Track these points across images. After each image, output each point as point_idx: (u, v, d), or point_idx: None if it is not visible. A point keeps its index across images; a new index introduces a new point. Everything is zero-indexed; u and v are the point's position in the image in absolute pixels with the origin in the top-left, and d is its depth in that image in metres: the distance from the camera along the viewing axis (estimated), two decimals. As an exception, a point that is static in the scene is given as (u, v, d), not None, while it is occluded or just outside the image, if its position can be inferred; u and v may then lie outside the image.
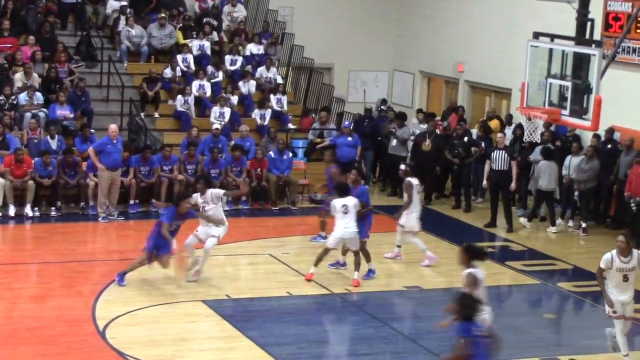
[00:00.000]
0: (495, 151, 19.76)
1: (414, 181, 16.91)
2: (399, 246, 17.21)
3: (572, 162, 19.98)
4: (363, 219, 15.87)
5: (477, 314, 9.40)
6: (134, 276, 15.38)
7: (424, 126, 22.67)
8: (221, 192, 15.86)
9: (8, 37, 22.35)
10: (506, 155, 19.61)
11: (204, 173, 19.31)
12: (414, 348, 13.12)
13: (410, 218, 16.87)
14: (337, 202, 15.48)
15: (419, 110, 24.74)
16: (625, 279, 12.28)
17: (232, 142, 21.49)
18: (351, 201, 15.50)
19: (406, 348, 13.09)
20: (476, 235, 19.40)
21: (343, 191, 15.66)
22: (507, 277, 17.05)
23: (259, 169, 20.92)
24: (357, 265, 15.71)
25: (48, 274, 15.58)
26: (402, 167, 17.70)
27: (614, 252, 12.26)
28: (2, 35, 22.32)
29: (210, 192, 15.37)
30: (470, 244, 11.48)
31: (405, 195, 17.06)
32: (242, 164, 20.80)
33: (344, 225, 15.41)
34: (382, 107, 24.73)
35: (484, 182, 20.17)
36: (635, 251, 12.26)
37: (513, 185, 19.77)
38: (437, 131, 22.23)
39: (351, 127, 22.30)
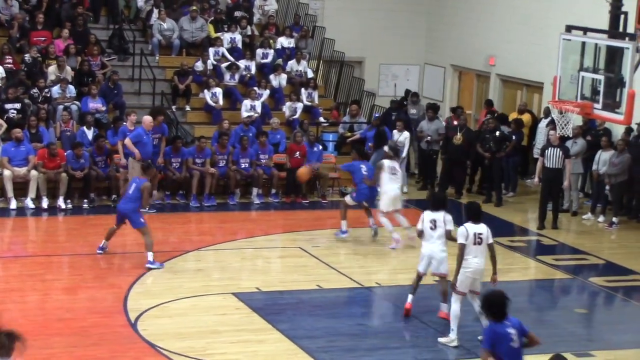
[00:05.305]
0: (550, 148, 19.22)
1: (386, 162, 17.44)
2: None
3: (602, 156, 19.85)
4: None
5: None
6: (165, 269, 15.48)
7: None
8: None
9: (42, 31, 22.49)
10: (561, 152, 19.11)
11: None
12: (444, 342, 13.11)
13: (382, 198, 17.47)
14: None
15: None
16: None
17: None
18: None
19: (437, 342, 13.06)
20: (506, 229, 19.32)
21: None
22: (539, 271, 16.99)
23: (297, 153, 20.94)
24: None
25: (80, 266, 15.67)
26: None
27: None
28: (36, 28, 22.48)
29: None
30: None
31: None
32: (269, 151, 21.05)
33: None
34: (414, 98, 24.68)
35: (536, 179, 19.71)
36: None
37: (566, 183, 19.52)
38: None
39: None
